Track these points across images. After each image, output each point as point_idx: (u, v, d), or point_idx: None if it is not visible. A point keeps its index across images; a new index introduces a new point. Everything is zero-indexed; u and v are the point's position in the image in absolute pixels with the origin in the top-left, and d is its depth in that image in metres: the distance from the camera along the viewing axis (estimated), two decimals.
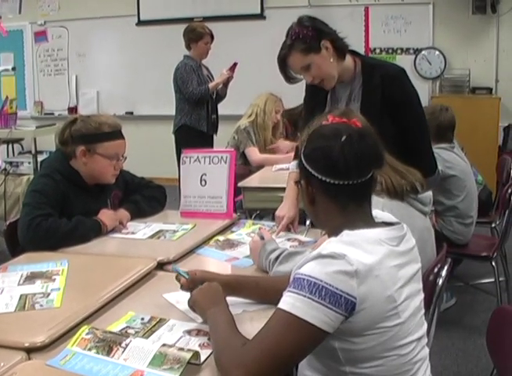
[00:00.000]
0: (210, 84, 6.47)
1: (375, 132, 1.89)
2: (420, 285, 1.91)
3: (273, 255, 2.46)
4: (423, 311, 1.89)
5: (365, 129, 1.85)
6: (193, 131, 6.45)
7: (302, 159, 1.87)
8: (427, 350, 1.90)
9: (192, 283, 2.14)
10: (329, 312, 1.61)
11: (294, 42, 2.94)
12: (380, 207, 2.43)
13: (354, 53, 3.11)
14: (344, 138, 1.78)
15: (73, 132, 3.15)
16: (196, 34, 6.56)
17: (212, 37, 6.66)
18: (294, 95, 6.95)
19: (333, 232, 1.82)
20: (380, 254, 1.71)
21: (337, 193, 1.82)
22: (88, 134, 3.12)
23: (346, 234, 1.76)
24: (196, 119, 6.50)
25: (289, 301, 1.64)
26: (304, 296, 1.62)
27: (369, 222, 1.85)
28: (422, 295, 1.90)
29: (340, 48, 3.00)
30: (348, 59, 3.06)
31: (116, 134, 3.20)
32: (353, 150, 1.77)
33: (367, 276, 1.65)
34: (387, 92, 2.96)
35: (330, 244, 1.73)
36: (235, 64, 6.54)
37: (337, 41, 2.99)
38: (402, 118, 2.99)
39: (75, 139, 3.13)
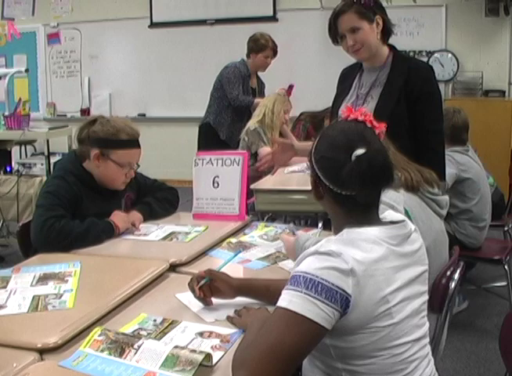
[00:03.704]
0: (257, 100, 6.21)
1: (389, 145, 1.88)
2: (424, 287, 1.89)
3: (308, 243, 2.45)
4: (424, 313, 1.88)
5: (378, 145, 1.82)
6: (213, 133, 6.33)
7: (312, 160, 1.87)
8: (427, 349, 1.88)
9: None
10: (326, 307, 1.62)
11: (355, 4, 3.09)
12: (402, 204, 2.45)
13: (391, 46, 3.25)
14: (354, 155, 1.75)
15: (90, 133, 3.14)
16: (258, 45, 6.36)
17: (275, 52, 6.43)
18: (309, 98, 7.01)
19: (338, 229, 1.84)
20: (377, 253, 1.72)
21: (343, 200, 1.82)
22: (105, 138, 3.11)
23: (346, 232, 1.77)
24: (218, 122, 6.36)
25: (286, 298, 1.66)
26: (301, 292, 1.63)
27: (373, 222, 1.84)
28: (425, 298, 1.89)
29: (387, 31, 3.18)
30: (385, 48, 3.21)
31: (132, 143, 3.19)
32: (360, 171, 1.74)
33: (362, 275, 1.66)
34: (409, 83, 3.09)
35: (328, 242, 1.74)
36: (291, 86, 6.32)
37: (388, 22, 3.18)
38: (417, 112, 3.04)
39: (91, 140, 3.13)
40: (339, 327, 1.67)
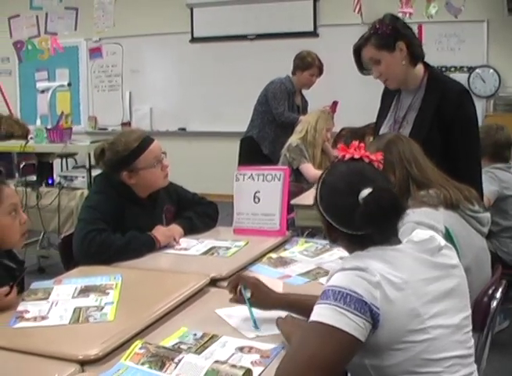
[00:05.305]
0: (301, 117, 6.17)
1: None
2: (464, 302, 1.89)
3: None
4: (467, 329, 1.86)
5: (381, 181, 1.86)
6: (256, 147, 6.34)
7: (320, 209, 1.92)
8: (472, 368, 1.86)
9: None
10: (355, 317, 1.64)
11: (371, 36, 3.04)
12: (442, 223, 2.43)
13: (426, 64, 3.17)
14: (361, 198, 1.78)
15: (107, 163, 3.21)
16: (305, 63, 6.38)
17: (321, 71, 6.47)
18: (350, 114, 6.98)
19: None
20: (405, 266, 1.75)
21: (360, 240, 1.85)
22: (122, 159, 3.16)
23: (372, 248, 1.81)
24: (262, 136, 6.36)
25: (316, 312, 1.70)
26: (330, 304, 1.67)
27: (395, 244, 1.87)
28: (466, 313, 1.87)
29: (415, 54, 3.08)
30: (420, 68, 3.14)
31: (145, 142, 3.22)
32: (371, 213, 1.77)
33: (389, 288, 1.68)
34: (442, 107, 2.99)
35: (353, 258, 1.80)
36: (335, 103, 6.31)
37: (413, 46, 3.07)
38: (450, 137, 2.99)
39: (113, 168, 3.19)
40: (373, 342, 1.69)
